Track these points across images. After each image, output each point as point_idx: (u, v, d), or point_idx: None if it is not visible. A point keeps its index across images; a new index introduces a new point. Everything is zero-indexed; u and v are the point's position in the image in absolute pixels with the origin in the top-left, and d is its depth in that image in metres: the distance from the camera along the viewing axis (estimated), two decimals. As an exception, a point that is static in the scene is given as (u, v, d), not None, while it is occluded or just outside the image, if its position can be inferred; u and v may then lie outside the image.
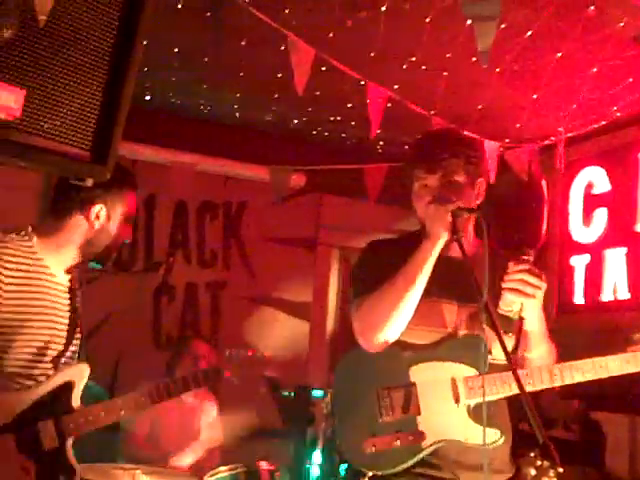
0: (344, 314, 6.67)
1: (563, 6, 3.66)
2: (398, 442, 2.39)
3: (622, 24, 3.81)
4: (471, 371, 2.44)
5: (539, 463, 2.47)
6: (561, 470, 2.44)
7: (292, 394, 5.59)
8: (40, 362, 2.56)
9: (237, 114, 5.64)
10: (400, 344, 2.48)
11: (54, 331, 2.61)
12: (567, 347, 6.42)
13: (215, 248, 6.18)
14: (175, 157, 5.49)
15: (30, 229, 2.63)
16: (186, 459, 4.33)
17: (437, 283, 2.48)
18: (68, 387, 2.58)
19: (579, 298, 5.85)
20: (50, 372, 2.58)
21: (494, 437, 2.39)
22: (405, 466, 2.41)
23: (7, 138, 1.81)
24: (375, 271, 2.56)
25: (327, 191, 6.40)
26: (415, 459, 2.41)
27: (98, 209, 2.66)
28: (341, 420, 2.54)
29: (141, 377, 3.86)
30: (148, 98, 5.34)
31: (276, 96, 5.24)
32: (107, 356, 5.34)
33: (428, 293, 2.45)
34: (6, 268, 2.49)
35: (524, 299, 2.37)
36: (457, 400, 2.42)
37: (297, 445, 5.40)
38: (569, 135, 5.18)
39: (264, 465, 4.19)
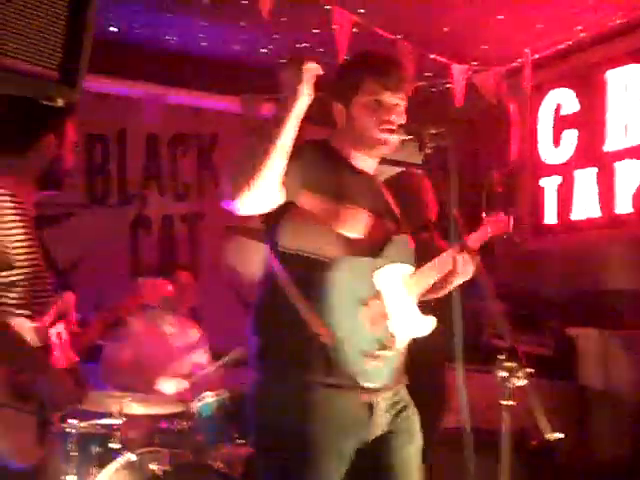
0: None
1: None
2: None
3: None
4: (411, 268, 2.46)
5: (507, 365, 2.57)
6: (529, 370, 2.56)
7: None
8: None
9: (204, 44, 5.59)
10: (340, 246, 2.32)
11: None
12: (543, 267, 6.53)
13: (188, 180, 6.18)
14: (144, 89, 5.44)
15: None
16: (170, 386, 4.37)
17: (351, 192, 2.39)
18: None
19: (551, 219, 5.95)
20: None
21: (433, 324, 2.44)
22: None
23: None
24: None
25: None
26: None
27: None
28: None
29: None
30: (114, 29, 5.29)
31: (242, 24, 5.21)
32: (87, 290, 5.34)
33: (342, 199, 2.35)
34: None
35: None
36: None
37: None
38: (536, 57, 5.21)
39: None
